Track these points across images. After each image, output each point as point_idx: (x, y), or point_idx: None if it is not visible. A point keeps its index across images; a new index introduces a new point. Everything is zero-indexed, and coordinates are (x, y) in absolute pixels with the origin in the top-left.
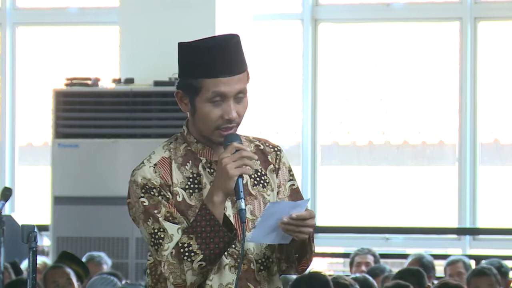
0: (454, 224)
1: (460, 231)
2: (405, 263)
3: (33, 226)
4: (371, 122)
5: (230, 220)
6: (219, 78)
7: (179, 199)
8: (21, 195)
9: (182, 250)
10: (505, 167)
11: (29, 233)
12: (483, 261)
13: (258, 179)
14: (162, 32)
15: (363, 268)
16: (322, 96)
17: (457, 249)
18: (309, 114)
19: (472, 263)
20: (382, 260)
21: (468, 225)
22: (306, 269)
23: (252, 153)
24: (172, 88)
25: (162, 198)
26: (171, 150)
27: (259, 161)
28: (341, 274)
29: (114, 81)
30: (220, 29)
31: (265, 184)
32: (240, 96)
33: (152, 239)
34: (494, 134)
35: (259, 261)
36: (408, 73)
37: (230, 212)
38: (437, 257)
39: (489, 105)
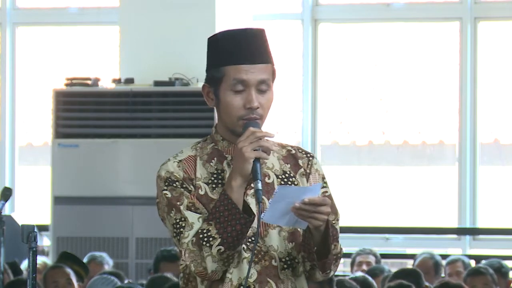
0: (454, 224)
1: (460, 231)
2: (415, 262)
3: (33, 226)
4: (371, 122)
5: (249, 206)
6: (241, 65)
7: (201, 192)
8: (21, 195)
9: (201, 236)
10: (505, 167)
11: (29, 233)
12: (483, 261)
13: (285, 179)
14: (162, 32)
15: (364, 267)
16: (322, 96)
17: (457, 249)
18: (309, 114)
19: (472, 263)
20: (382, 260)
21: (468, 225)
22: (329, 272)
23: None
24: (172, 88)
25: (185, 190)
26: (198, 149)
27: (289, 164)
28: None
29: (114, 81)
30: (220, 29)
31: (293, 185)
32: (263, 88)
33: (175, 229)
34: (494, 134)
35: (283, 259)
36: (408, 73)
37: (253, 205)
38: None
39: (489, 105)
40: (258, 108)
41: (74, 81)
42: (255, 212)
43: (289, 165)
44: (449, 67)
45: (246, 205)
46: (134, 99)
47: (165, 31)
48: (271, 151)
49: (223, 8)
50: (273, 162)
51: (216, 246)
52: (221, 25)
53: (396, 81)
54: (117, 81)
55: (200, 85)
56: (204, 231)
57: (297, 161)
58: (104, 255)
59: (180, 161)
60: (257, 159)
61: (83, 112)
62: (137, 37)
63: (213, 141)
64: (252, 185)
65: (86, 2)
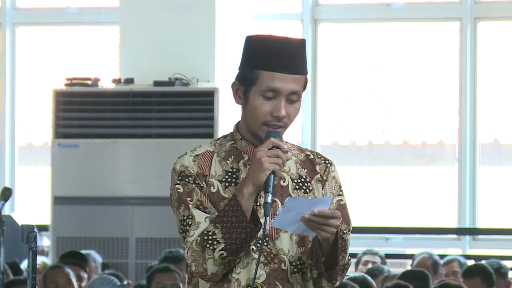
0: (454, 224)
1: (460, 231)
2: (413, 262)
3: (33, 226)
4: (371, 122)
5: (257, 214)
6: (276, 72)
7: (213, 190)
8: (21, 195)
9: (206, 238)
10: (505, 167)
11: (29, 233)
12: (483, 261)
13: (300, 184)
14: (162, 32)
15: (370, 267)
16: (322, 96)
17: (456, 249)
18: (309, 114)
19: (471, 263)
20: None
21: (467, 225)
22: (335, 283)
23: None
24: (172, 88)
25: (196, 186)
26: (217, 145)
27: (306, 169)
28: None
29: (114, 81)
30: (220, 29)
31: (308, 190)
32: (293, 98)
33: (182, 226)
34: (494, 134)
35: (293, 263)
36: (408, 73)
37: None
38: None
39: (489, 105)
40: (285, 117)
41: (74, 81)
42: (262, 223)
43: (306, 170)
44: (449, 67)
45: (254, 213)
46: (134, 99)
47: (165, 31)
48: (290, 155)
49: (223, 8)
50: (290, 166)
51: (219, 250)
52: (221, 25)
53: (396, 81)
54: (117, 81)
55: (200, 85)
56: (210, 233)
57: (315, 166)
58: (92, 252)
59: (197, 155)
60: (272, 173)
61: (83, 112)
62: (137, 37)
63: (232, 139)
64: (259, 198)
65: (86, 2)
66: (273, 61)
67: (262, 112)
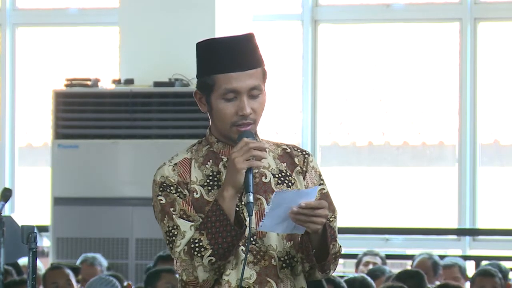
0: (454, 225)
1: (460, 232)
2: (413, 263)
3: (33, 227)
4: (371, 123)
5: (241, 216)
6: (230, 73)
7: (197, 195)
8: (21, 196)
9: (193, 246)
10: (505, 168)
11: (29, 234)
12: (483, 262)
13: (282, 178)
14: (162, 32)
15: (371, 267)
16: (322, 97)
17: (457, 250)
18: (309, 115)
19: (471, 265)
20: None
21: (468, 226)
22: (329, 272)
23: (277, 156)
24: (172, 89)
25: (179, 195)
26: (193, 151)
27: (285, 163)
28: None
29: (114, 81)
30: (220, 30)
31: (290, 184)
32: (254, 93)
33: (167, 237)
34: (494, 135)
35: (282, 259)
36: (408, 73)
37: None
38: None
39: (489, 106)
40: (250, 114)
41: (74, 82)
42: (247, 224)
43: (285, 164)
44: (449, 68)
45: (238, 215)
46: (134, 99)
47: (165, 32)
48: (267, 150)
49: (223, 9)
50: (269, 162)
51: (208, 256)
52: (221, 26)
53: (396, 81)
54: (117, 82)
55: None
56: (196, 240)
57: (293, 159)
58: (98, 256)
59: (175, 164)
60: (249, 170)
61: (83, 113)
62: (137, 38)
63: (208, 143)
64: (243, 198)
65: (86, 3)
66: (224, 63)
67: (228, 115)
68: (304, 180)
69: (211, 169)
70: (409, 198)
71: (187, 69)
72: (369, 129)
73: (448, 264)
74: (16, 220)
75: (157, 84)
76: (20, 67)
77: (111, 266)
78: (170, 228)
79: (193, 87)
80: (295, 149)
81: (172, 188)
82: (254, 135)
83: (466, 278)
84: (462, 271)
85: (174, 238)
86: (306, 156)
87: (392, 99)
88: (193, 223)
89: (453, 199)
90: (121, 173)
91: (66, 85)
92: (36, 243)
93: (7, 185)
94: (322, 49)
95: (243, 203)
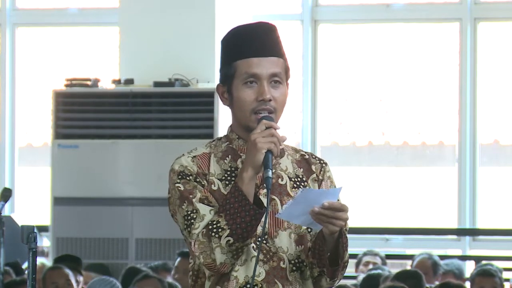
0: (454, 225)
1: (460, 232)
2: (413, 263)
3: (32, 227)
4: (371, 123)
5: (260, 200)
6: (251, 58)
7: (214, 188)
8: (21, 196)
9: (210, 227)
10: (505, 168)
11: (29, 234)
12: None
13: (298, 182)
14: (162, 32)
15: (371, 267)
16: (322, 97)
17: (456, 250)
18: (309, 115)
19: (472, 264)
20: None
21: (467, 226)
22: (336, 280)
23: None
24: (172, 89)
25: (198, 184)
26: (212, 146)
27: (302, 169)
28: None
29: (114, 81)
30: (220, 30)
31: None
32: (276, 80)
33: (185, 221)
34: (494, 135)
35: (292, 261)
36: (408, 73)
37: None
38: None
39: (489, 106)
40: (271, 100)
41: (74, 82)
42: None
43: (302, 170)
44: (449, 68)
45: (257, 198)
46: (134, 100)
47: (165, 32)
48: (286, 154)
49: (223, 8)
50: (286, 165)
51: (225, 237)
52: (221, 26)
53: (396, 81)
54: (117, 82)
55: (200, 85)
56: (214, 222)
57: (310, 166)
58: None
59: (194, 156)
60: (269, 151)
61: (83, 113)
62: (137, 38)
63: (228, 140)
64: (262, 175)
65: (86, 3)
66: (246, 48)
67: (248, 100)
68: (319, 188)
69: (229, 164)
70: (409, 198)
71: (187, 69)
72: (369, 129)
73: (445, 270)
74: (16, 220)
75: (157, 84)
76: (20, 67)
77: (111, 266)
78: (189, 212)
79: (193, 87)
80: (313, 156)
81: (191, 177)
82: (273, 120)
83: (463, 281)
84: (457, 277)
85: (192, 221)
86: (324, 165)
87: (392, 99)
88: (212, 208)
89: (453, 199)
90: (121, 173)
91: (66, 85)
92: (36, 243)
93: (7, 185)
94: (322, 49)
95: (259, 195)
